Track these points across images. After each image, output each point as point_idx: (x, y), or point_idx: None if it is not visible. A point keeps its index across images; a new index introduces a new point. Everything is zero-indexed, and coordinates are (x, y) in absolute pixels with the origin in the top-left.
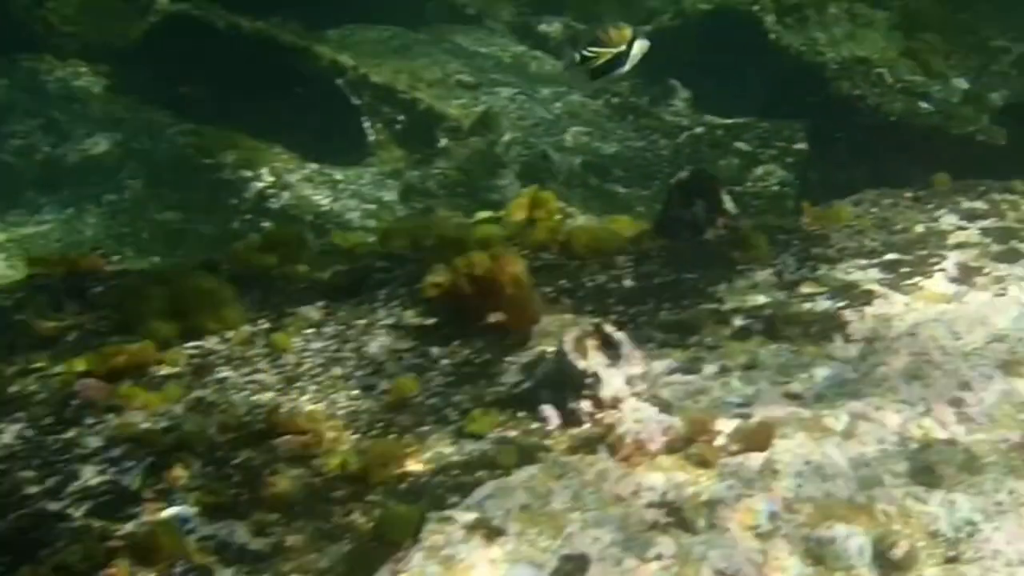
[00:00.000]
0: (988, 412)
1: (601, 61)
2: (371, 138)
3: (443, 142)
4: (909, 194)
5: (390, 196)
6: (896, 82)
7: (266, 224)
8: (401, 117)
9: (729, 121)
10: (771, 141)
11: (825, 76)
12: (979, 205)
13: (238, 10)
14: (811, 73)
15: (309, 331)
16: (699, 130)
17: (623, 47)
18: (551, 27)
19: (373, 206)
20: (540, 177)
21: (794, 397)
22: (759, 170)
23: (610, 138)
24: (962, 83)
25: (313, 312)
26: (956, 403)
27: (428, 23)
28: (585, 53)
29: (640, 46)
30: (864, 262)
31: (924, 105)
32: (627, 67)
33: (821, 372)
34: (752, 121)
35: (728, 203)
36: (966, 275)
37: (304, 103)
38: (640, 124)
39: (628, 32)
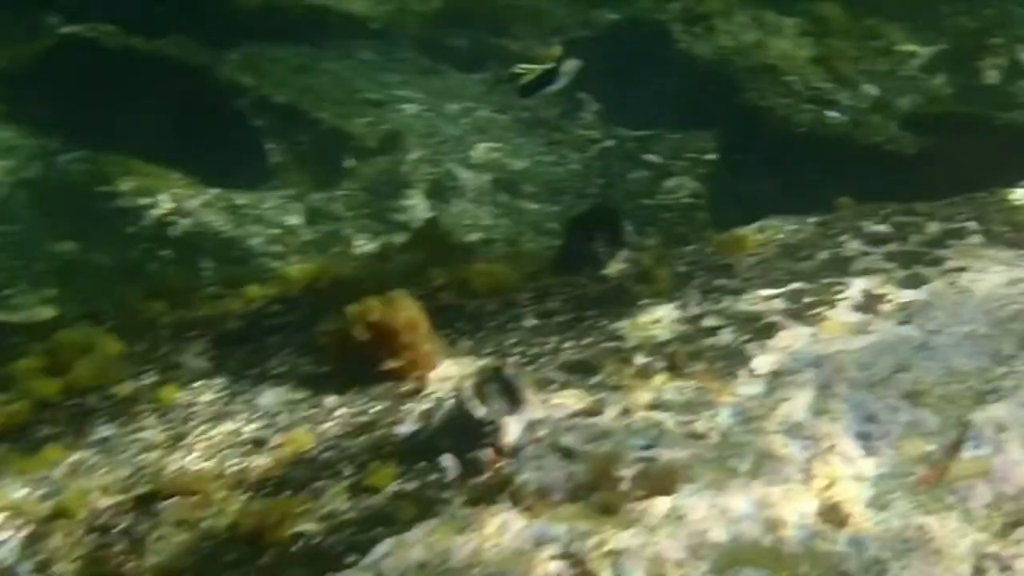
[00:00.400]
0: (894, 444)
1: (530, 78)
2: (274, 160)
3: (349, 162)
4: (814, 219)
5: (295, 220)
6: (806, 89)
7: (166, 253)
8: (305, 138)
9: (639, 133)
10: (682, 152)
11: (735, 86)
12: (883, 229)
13: (135, 32)
14: (721, 82)
15: (197, 383)
16: (609, 143)
17: (552, 65)
18: (458, 41)
19: (277, 231)
20: (448, 196)
21: (699, 437)
22: (670, 182)
23: (520, 153)
24: (872, 88)
25: (202, 362)
26: (863, 437)
27: (332, 40)
28: (515, 70)
29: (572, 64)
30: (769, 292)
31: (833, 114)
32: (559, 84)
33: (726, 410)
34: (663, 132)
35: (630, 235)
36: (871, 303)
37: (204, 126)
38: (550, 138)
39: (558, 50)
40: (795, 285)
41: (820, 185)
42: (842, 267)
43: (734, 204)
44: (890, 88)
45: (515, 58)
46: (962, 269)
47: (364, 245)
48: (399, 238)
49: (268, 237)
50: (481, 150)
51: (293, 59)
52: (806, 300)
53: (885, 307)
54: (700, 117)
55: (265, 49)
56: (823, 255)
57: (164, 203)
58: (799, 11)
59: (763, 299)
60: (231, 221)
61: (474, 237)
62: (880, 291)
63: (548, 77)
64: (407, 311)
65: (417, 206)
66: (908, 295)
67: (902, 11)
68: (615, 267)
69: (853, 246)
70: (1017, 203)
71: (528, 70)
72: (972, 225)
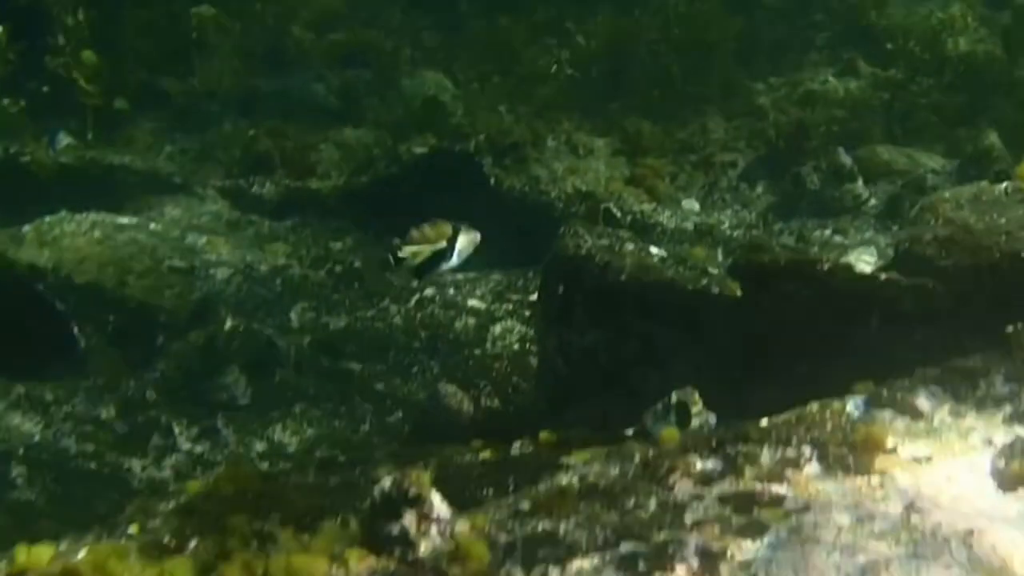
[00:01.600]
0: None
1: (420, 260)
2: (82, 345)
3: (160, 340)
4: (637, 458)
5: (108, 413)
6: (625, 215)
7: None
8: (112, 318)
9: (460, 276)
10: (506, 294)
11: (552, 217)
12: (712, 465)
13: None
14: (538, 215)
15: None
16: (429, 290)
17: (442, 243)
18: (264, 188)
19: (89, 427)
20: (267, 367)
21: None
22: (497, 328)
23: (338, 311)
24: (693, 204)
25: None
26: None
27: (134, 201)
28: (400, 254)
29: (468, 238)
30: (597, 559)
31: (655, 251)
32: (456, 261)
33: None
34: (483, 274)
35: (440, 507)
36: (710, 565)
37: (3, 317)
38: (368, 291)
39: (448, 228)
40: (625, 546)
41: (650, 339)
42: (674, 518)
43: (561, 362)
44: (712, 203)
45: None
46: (804, 509)
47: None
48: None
49: (80, 435)
50: (298, 311)
51: (93, 230)
52: (640, 567)
53: (725, 568)
54: (522, 253)
55: (63, 220)
56: (652, 503)
57: None
58: (611, 130)
59: (593, 568)
60: (40, 422)
61: (292, 439)
62: (719, 546)
63: (440, 256)
64: None
65: (235, 383)
66: (750, 549)
67: (715, 122)
68: (428, 545)
69: (684, 488)
70: (852, 415)
71: (415, 252)
72: (808, 450)
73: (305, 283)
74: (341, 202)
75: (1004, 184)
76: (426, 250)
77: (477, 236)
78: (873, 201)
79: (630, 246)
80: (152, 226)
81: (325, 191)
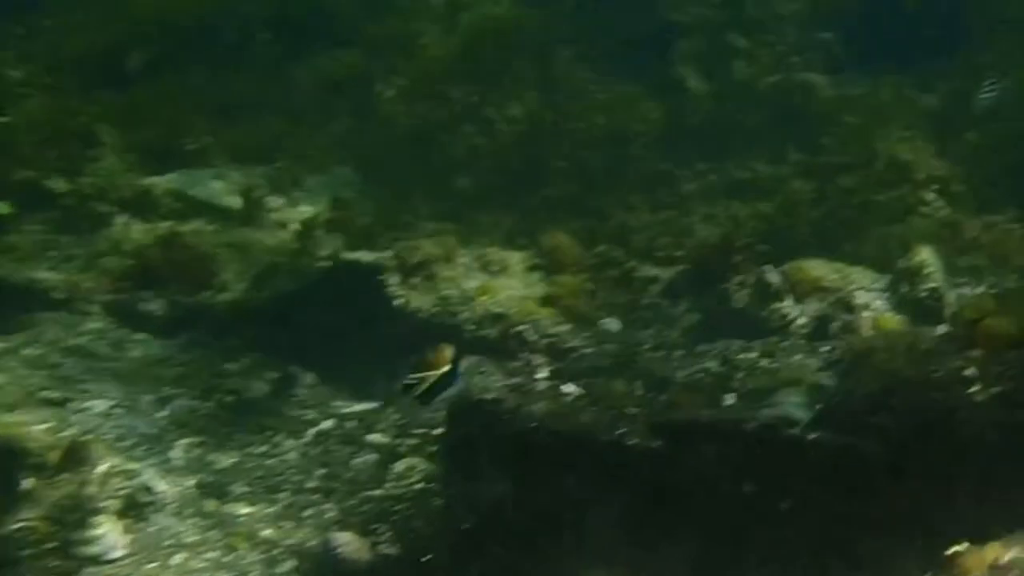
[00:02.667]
0: None
1: (427, 385)
2: None
3: (26, 484)
4: None
5: None
6: (540, 338)
7: None
8: None
9: (361, 408)
10: (409, 428)
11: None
12: None
13: None
14: (447, 339)
15: None
16: (327, 424)
17: (449, 367)
18: (152, 304)
19: None
20: (145, 513)
21: None
22: (399, 466)
23: (227, 447)
24: (613, 324)
25: None
26: None
27: (9, 318)
28: (407, 380)
29: (472, 361)
30: None
31: (570, 389)
32: (460, 385)
33: None
34: (386, 406)
35: None
36: None
37: None
38: (261, 423)
39: (449, 352)
40: None
41: (558, 507)
42: None
43: (465, 517)
44: (634, 322)
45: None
46: None
47: None
48: None
49: None
50: (183, 447)
51: None
52: None
53: None
54: None
55: None
56: None
57: None
58: (525, 244)
59: None
60: None
61: None
62: None
63: (447, 381)
64: None
65: (107, 535)
66: None
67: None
68: None
69: None
70: None
71: (422, 378)
72: None
73: (193, 415)
74: (238, 319)
75: (940, 328)
76: (433, 375)
77: (478, 359)
78: (802, 320)
79: (543, 385)
80: (26, 351)
81: (221, 306)
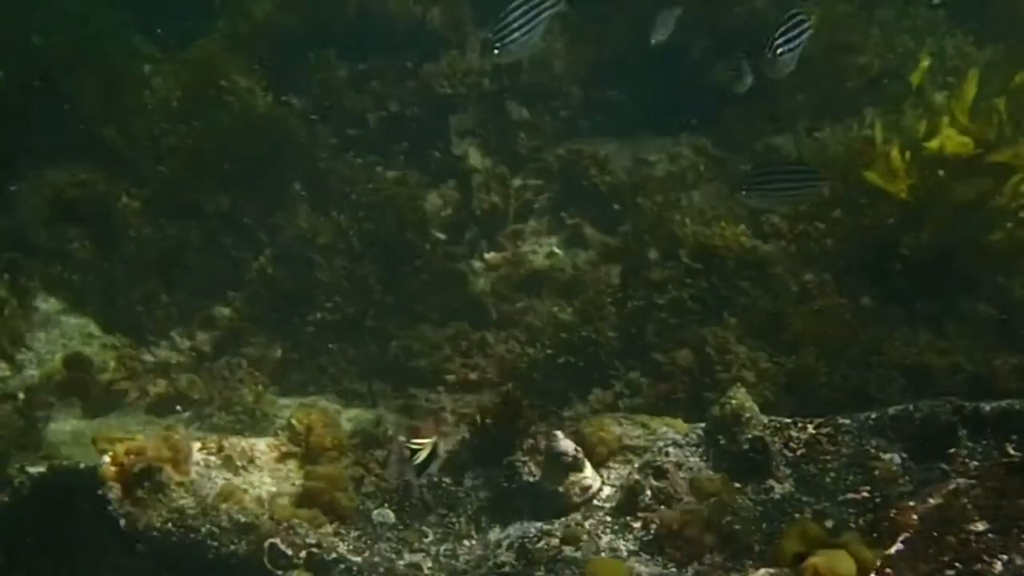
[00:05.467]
0: None
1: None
2: None
3: None
4: None
5: None
6: (298, 549)
7: None
8: None
9: None
10: None
11: (206, 563)
12: None
13: None
14: (187, 560)
15: None
16: None
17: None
18: None
19: None
20: None
21: None
22: None
23: None
24: (387, 515)
25: None
26: None
27: None
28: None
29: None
30: None
31: None
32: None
33: None
34: None
35: None
36: None
37: None
38: None
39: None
40: None
41: None
42: None
43: None
44: (411, 509)
45: None
46: None
47: None
48: None
49: None
50: None
51: None
52: None
53: None
54: None
55: None
56: None
57: None
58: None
59: None
60: None
61: None
62: None
63: (431, 455)
64: None
65: None
66: None
67: (427, 331)
68: None
69: None
70: None
71: (419, 445)
72: None
73: None
74: None
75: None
76: (425, 443)
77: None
78: (606, 491)
79: None
80: None
81: None
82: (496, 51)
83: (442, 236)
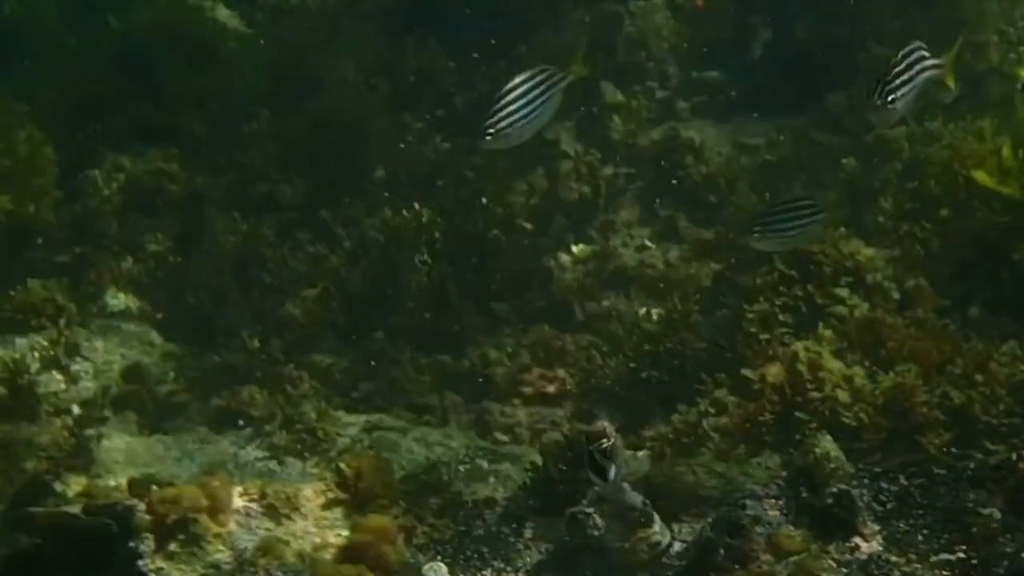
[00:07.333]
0: None
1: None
2: None
3: None
4: None
5: None
6: None
7: None
8: None
9: None
10: None
11: None
12: None
13: None
14: None
15: None
16: None
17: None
18: None
19: None
20: None
21: None
22: None
23: None
24: (439, 569)
25: None
26: None
27: None
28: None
29: None
30: None
31: None
32: None
33: None
34: None
35: None
36: None
37: None
38: None
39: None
40: None
41: None
42: None
43: None
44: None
45: None
46: None
47: None
48: None
49: None
50: None
51: None
52: None
53: None
54: None
55: None
56: None
57: None
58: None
59: None
60: None
61: None
62: None
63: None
64: None
65: None
66: None
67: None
68: None
69: None
70: None
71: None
72: None
73: None
74: None
75: None
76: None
77: None
78: (676, 548)
79: None
80: None
81: None
82: (488, 139)
83: (528, 226)
